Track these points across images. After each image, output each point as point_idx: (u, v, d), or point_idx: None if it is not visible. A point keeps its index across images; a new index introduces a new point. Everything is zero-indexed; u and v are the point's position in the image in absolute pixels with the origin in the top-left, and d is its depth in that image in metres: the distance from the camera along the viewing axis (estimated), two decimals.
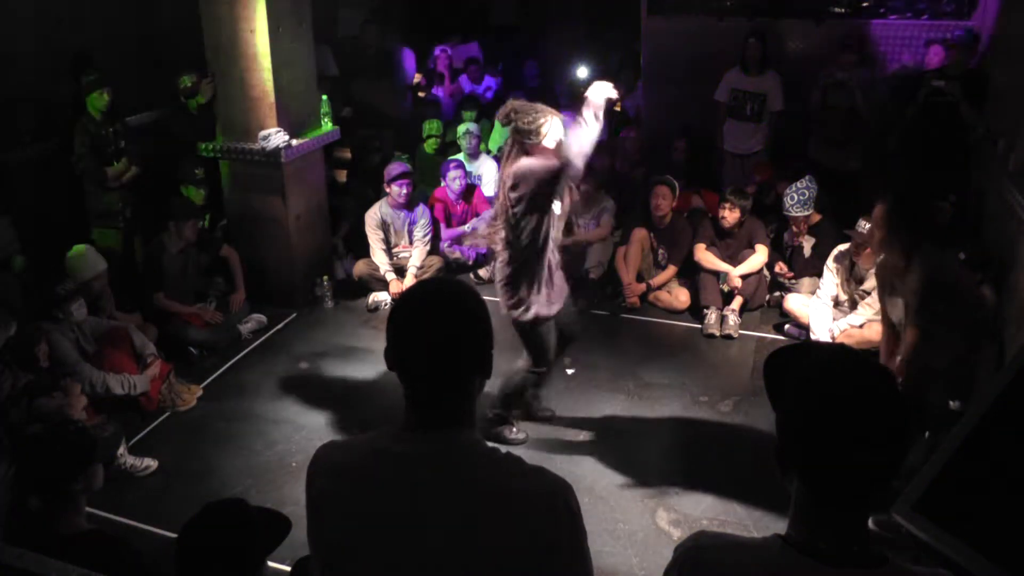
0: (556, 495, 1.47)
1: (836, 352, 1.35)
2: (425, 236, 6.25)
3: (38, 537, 2.55)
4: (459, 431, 1.50)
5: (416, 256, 6.19)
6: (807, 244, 5.81)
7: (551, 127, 3.75)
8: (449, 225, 6.64)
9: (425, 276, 6.02)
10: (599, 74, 8.54)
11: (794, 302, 5.56)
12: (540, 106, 3.81)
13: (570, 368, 5.11)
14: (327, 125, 6.19)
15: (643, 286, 6.03)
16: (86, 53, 5.82)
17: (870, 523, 1.35)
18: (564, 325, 4.20)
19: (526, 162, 3.74)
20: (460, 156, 6.99)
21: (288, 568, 2.89)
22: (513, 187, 3.75)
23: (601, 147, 6.87)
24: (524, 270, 3.87)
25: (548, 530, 1.42)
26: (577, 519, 1.47)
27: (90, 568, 1.94)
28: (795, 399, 1.30)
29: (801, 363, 1.34)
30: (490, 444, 1.52)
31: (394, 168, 6.07)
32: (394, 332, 1.52)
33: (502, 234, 3.89)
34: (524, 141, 3.76)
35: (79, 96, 5.49)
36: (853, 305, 5.27)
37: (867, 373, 1.29)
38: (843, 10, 7.25)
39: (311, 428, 4.61)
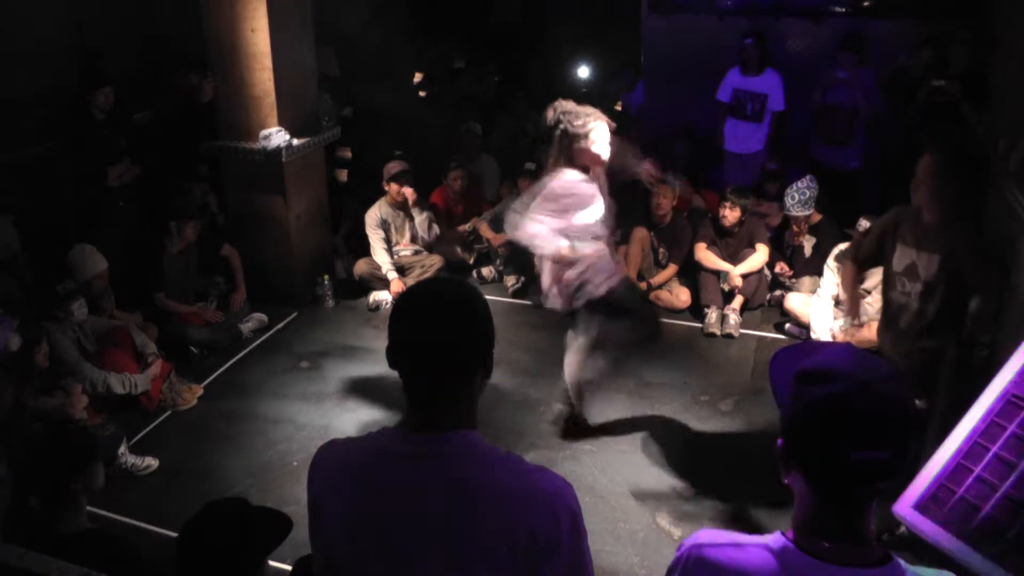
0: (556, 494, 1.47)
1: (841, 350, 1.35)
2: (433, 223, 6.30)
3: (39, 537, 2.55)
4: (460, 430, 1.50)
5: (427, 232, 6.24)
6: (808, 243, 5.82)
7: (599, 132, 3.71)
8: (450, 225, 6.64)
9: (426, 276, 6.02)
10: (599, 74, 8.56)
11: (795, 301, 5.56)
12: (589, 109, 3.75)
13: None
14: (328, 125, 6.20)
15: (644, 285, 6.02)
16: (97, 50, 5.82)
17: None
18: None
19: (559, 186, 3.72)
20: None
21: (289, 567, 2.89)
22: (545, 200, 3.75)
23: None
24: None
25: (548, 530, 1.43)
26: (577, 518, 1.47)
27: (91, 567, 1.94)
28: (800, 397, 1.30)
29: (806, 361, 1.34)
30: (490, 444, 1.53)
31: (393, 167, 6.07)
32: (396, 330, 1.52)
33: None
34: (572, 144, 3.71)
35: (84, 93, 5.48)
36: None
37: (873, 371, 1.29)
38: (844, 9, 7.25)
39: (312, 428, 4.61)
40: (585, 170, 3.78)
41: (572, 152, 3.72)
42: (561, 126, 3.70)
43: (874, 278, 5.06)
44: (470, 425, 1.53)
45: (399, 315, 1.53)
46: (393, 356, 1.51)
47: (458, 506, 1.43)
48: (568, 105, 3.74)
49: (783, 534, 1.33)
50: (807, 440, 1.28)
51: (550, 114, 3.76)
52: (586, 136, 3.68)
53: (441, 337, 1.48)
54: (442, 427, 1.49)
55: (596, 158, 3.75)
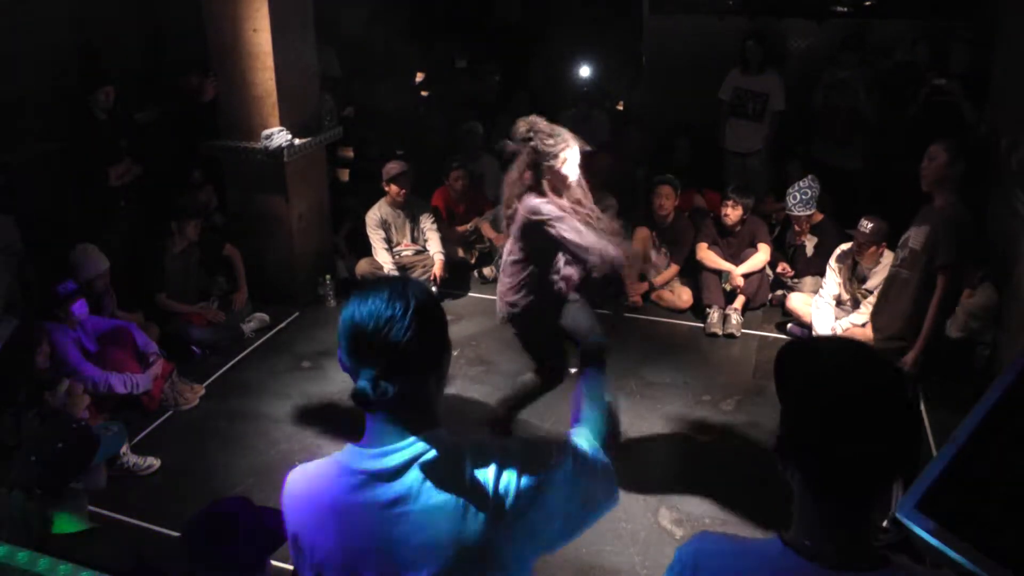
0: (530, 460, 1.46)
1: (848, 347, 1.34)
2: (434, 224, 6.27)
3: (39, 537, 2.55)
4: (419, 434, 1.45)
5: (434, 243, 6.20)
6: (809, 243, 5.81)
7: (570, 155, 3.59)
8: (451, 225, 6.63)
9: (414, 275, 6.01)
10: (600, 73, 8.55)
11: (796, 301, 5.56)
12: (563, 130, 3.63)
13: (572, 367, 5.10)
14: (329, 124, 6.20)
15: (645, 285, 6.02)
16: (94, 48, 5.81)
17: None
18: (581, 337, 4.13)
19: (537, 209, 3.57)
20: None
21: (290, 568, 2.89)
22: (520, 234, 3.68)
23: (603, 146, 6.91)
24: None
25: (530, 494, 1.43)
26: (554, 469, 1.46)
27: (91, 567, 1.94)
28: (796, 392, 1.30)
29: (812, 357, 1.34)
30: (453, 440, 1.47)
31: (392, 167, 6.06)
32: (340, 330, 1.48)
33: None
34: (540, 163, 3.57)
35: (84, 93, 5.48)
36: (855, 304, 5.26)
37: (877, 370, 1.28)
38: (845, 9, 7.25)
39: (313, 427, 4.61)
40: (556, 193, 3.65)
41: (540, 171, 3.59)
42: (532, 143, 3.56)
43: (876, 278, 5.06)
44: (429, 426, 1.47)
45: (344, 314, 1.49)
46: (341, 358, 1.47)
47: (432, 512, 1.40)
48: (542, 124, 3.61)
49: (780, 537, 1.33)
50: (803, 435, 1.27)
51: (522, 128, 3.61)
52: (556, 156, 3.55)
53: (384, 335, 1.43)
54: (403, 434, 1.44)
55: (564, 180, 3.62)
